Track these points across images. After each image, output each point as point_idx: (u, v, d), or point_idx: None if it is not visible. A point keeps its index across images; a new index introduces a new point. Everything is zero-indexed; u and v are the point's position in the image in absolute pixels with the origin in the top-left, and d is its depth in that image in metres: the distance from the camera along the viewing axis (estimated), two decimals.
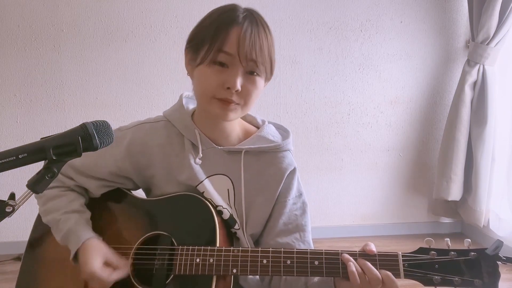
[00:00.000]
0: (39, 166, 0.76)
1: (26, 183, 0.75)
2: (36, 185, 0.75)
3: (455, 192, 2.83)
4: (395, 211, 3.12)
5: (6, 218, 0.73)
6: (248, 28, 0.94)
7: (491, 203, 2.77)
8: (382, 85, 2.96)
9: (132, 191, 1.17)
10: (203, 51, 0.96)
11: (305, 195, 1.12)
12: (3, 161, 0.70)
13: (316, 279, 0.99)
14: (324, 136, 2.97)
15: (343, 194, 3.06)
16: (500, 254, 0.85)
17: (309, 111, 2.92)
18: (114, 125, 0.87)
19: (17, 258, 2.62)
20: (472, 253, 0.85)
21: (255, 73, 0.97)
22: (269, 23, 1.01)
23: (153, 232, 1.04)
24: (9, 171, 0.72)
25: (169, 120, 1.10)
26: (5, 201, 0.73)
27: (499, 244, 0.85)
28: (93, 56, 2.69)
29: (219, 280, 0.96)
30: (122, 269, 1.00)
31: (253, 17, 0.97)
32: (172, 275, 0.98)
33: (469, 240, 0.88)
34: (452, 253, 0.86)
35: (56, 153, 0.74)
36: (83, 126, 0.77)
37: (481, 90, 2.71)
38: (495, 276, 0.83)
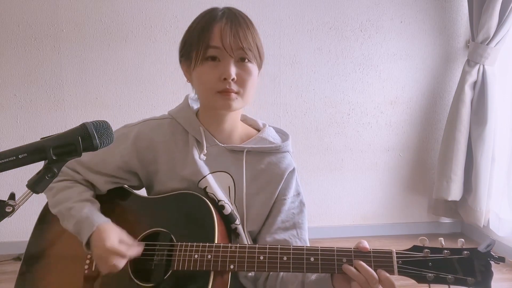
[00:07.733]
0: (39, 166, 0.76)
1: (26, 183, 0.75)
2: (36, 185, 0.75)
3: (455, 192, 2.83)
4: (395, 211, 3.12)
5: (6, 218, 0.73)
6: (228, 21, 1.02)
7: (491, 203, 2.77)
8: (382, 85, 2.96)
9: (135, 190, 1.19)
10: (194, 53, 1.03)
11: (303, 196, 1.16)
12: (3, 161, 0.70)
13: (313, 277, 1.01)
14: (324, 136, 2.97)
15: (343, 194, 3.06)
16: (493, 253, 0.85)
17: (309, 111, 2.92)
18: (114, 125, 0.87)
19: (17, 258, 2.62)
20: (465, 252, 0.87)
21: (246, 60, 1.03)
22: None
23: (152, 229, 1.06)
24: (9, 171, 0.72)
25: (174, 118, 1.14)
26: (5, 201, 0.73)
27: (491, 242, 0.86)
28: (93, 56, 2.69)
29: (217, 276, 0.98)
30: (137, 248, 1.01)
31: (231, 12, 1.05)
32: (170, 271, 0.99)
33: (463, 240, 0.89)
34: (446, 251, 0.88)
35: (56, 153, 0.74)
36: (83, 126, 0.77)
37: (481, 90, 2.71)
38: (488, 275, 0.84)
